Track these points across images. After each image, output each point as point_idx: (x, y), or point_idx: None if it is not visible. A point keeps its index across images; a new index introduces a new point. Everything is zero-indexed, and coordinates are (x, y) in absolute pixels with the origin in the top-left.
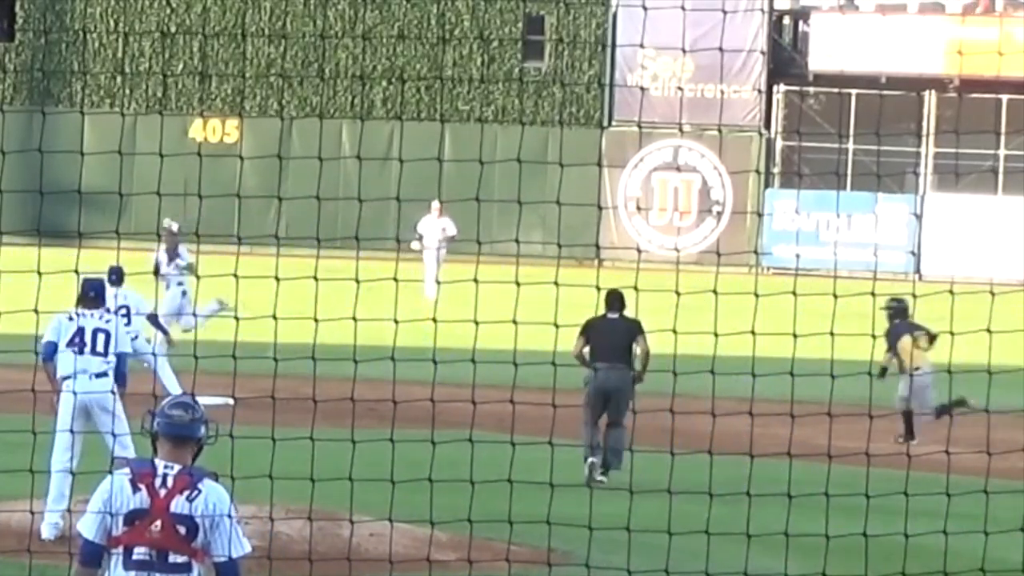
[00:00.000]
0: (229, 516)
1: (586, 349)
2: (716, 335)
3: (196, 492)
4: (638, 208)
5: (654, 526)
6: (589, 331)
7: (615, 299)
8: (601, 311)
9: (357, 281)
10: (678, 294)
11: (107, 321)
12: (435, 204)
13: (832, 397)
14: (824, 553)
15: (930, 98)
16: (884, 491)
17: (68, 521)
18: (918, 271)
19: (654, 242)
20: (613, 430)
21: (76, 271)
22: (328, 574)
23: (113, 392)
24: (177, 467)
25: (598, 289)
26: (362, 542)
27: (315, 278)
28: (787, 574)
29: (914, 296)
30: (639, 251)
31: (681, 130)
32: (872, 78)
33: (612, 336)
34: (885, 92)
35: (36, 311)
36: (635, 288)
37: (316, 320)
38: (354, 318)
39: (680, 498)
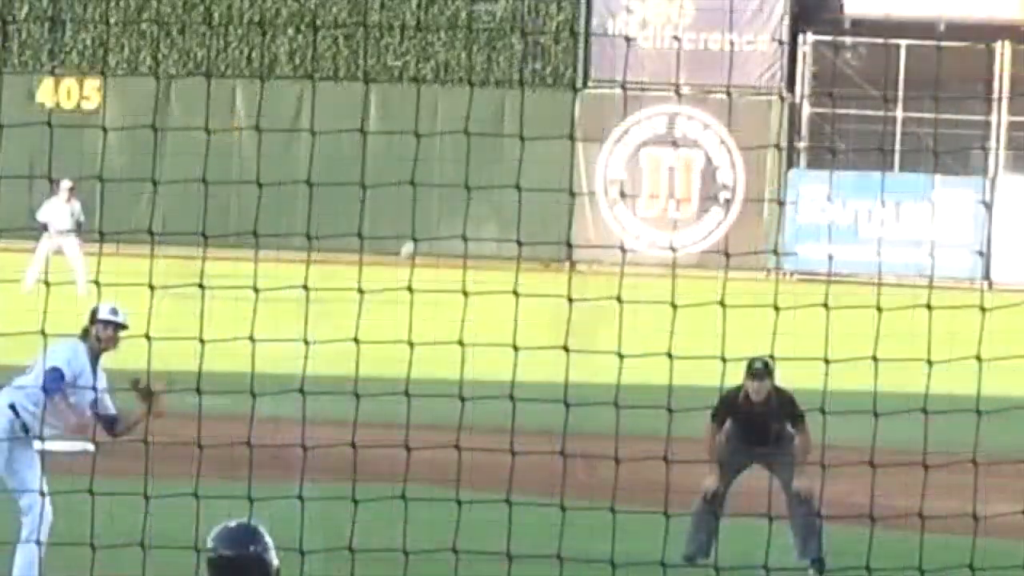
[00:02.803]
0: None
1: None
2: (724, 360)
3: None
4: (622, 195)
5: None
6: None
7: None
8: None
9: (256, 290)
10: (674, 306)
11: None
12: None
13: (875, 441)
14: None
15: (1003, 51)
16: (944, 563)
17: None
18: (987, 277)
19: (643, 239)
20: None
21: None
22: None
23: None
24: None
25: (570, 301)
26: None
27: (200, 286)
28: None
29: (982, 309)
30: (624, 250)
31: (678, 93)
32: (927, 25)
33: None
34: (944, 43)
35: None
36: (618, 299)
37: (202, 341)
38: (251, 338)
39: (676, 572)
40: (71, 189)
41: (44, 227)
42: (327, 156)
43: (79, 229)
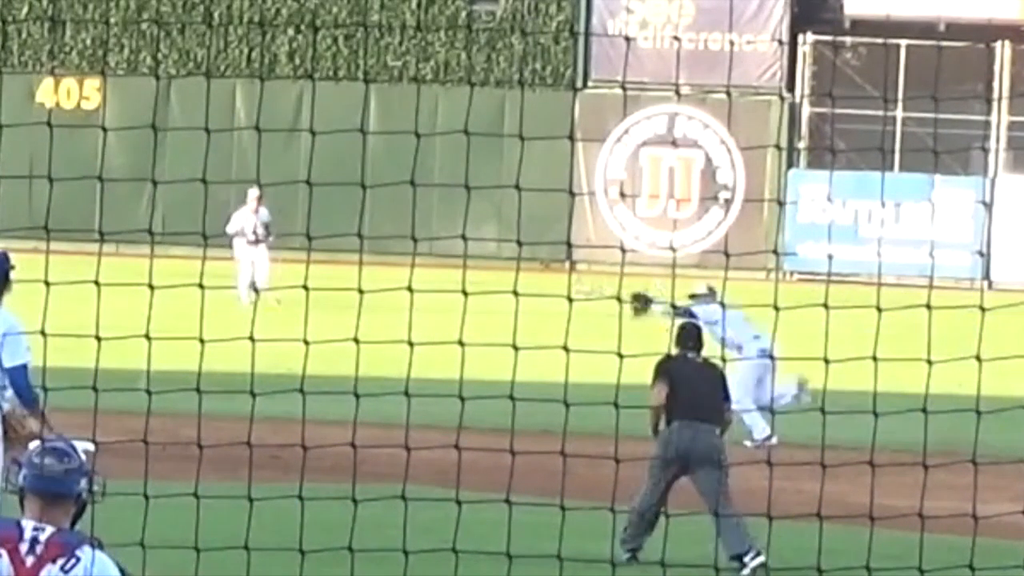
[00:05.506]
0: None
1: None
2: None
3: (74, 561)
4: (622, 195)
5: None
6: (672, 376)
7: (695, 336)
8: (676, 349)
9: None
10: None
11: None
12: None
13: (875, 441)
14: None
15: (1003, 51)
16: (943, 563)
17: None
18: (987, 277)
19: (643, 239)
20: (723, 523)
21: None
22: None
23: None
24: (50, 529)
25: (570, 301)
26: None
27: (200, 285)
28: None
29: (982, 309)
30: (623, 250)
31: (678, 93)
32: (927, 25)
33: (701, 385)
34: (944, 43)
35: None
36: (618, 299)
37: (201, 341)
38: (251, 338)
39: (676, 572)
40: (259, 198)
41: (236, 235)
42: (327, 156)
43: (268, 236)
